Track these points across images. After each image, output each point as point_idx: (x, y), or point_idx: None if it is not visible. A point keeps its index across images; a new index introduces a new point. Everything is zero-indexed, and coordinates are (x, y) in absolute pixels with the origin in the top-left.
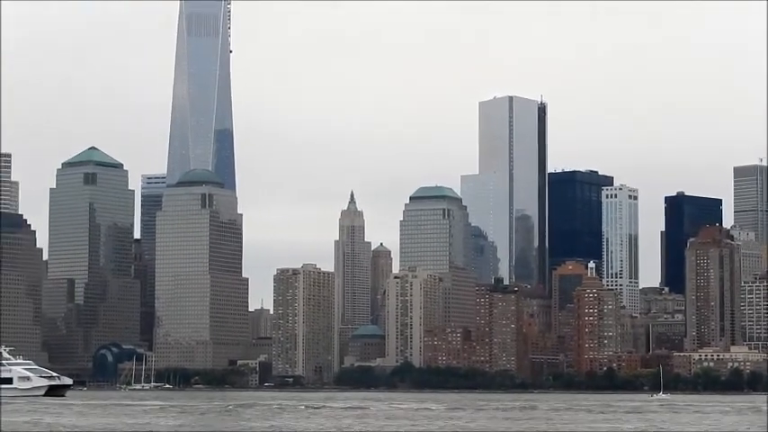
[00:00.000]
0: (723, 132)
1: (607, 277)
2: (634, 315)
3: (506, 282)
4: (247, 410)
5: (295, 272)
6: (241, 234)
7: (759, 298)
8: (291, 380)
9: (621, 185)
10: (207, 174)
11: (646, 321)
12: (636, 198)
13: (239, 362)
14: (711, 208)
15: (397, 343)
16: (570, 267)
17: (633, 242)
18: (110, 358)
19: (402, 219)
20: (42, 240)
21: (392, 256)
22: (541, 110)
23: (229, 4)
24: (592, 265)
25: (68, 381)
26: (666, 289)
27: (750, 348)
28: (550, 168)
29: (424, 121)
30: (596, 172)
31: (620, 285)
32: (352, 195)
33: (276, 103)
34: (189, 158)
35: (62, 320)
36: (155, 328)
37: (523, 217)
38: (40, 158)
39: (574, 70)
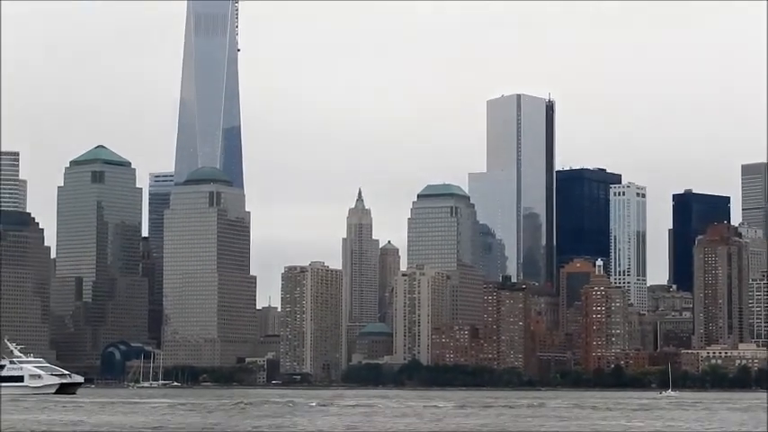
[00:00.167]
0: (731, 130)
1: (615, 275)
2: (642, 313)
3: (514, 279)
4: (259, 408)
5: (303, 270)
6: (249, 232)
7: (767, 295)
8: (299, 377)
9: (629, 183)
10: (215, 172)
11: (653, 319)
12: (644, 196)
13: (247, 359)
14: (719, 205)
15: (405, 340)
16: (578, 265)
17: (641, 240)
18: (118, 356)
19: (410, 216)
20: (50, 238)
21: (400, 253)
22: (549, 108)
23: (237, 3)
24: (599, 262)
25: (79, 378)
26: (674, 286)
27: (758, 346)
28: (558, 166)
29: (432, 119)
30: (604, 170)
31: (628, 283)
32: (359, 193)
33: (284, 101)
34: (197, 157)
35: (70, 318)
36: (163, 325)
37: (531, 215)
38: (47, 157)
39: (581, 68)
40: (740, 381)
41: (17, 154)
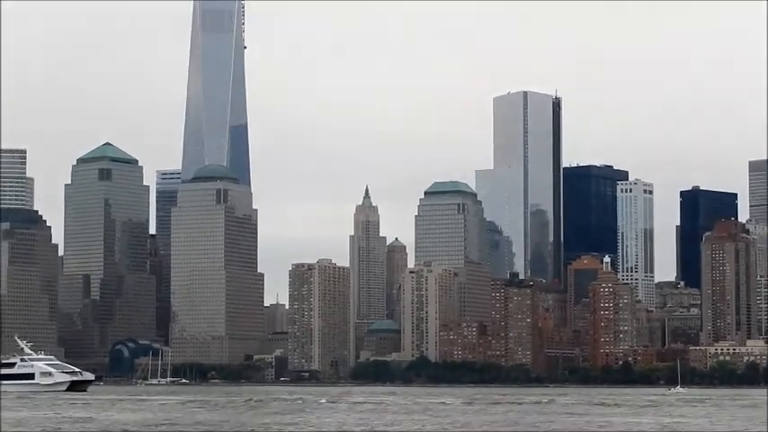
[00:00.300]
0: (738, 126)
1: (622, 271)
2: (650, 309)
3: (521, 276)
4: (269, 405)
5: (310, 267)
6: (256, 229)
7: None
8: (307, 374)
9: (636, 180)
10: (222, 169)
11: (661, 315)
12: (651, 192)
13: (255, 357)
14: (727, 202)
15: (413, 337)
16: (585, 262)
17: (648, 236)
18: (126, 353)
19: (417, 214)
20: (58, 236)
21: (407, 251)
22: (556, 105)
23: (243, 0)
24: (607, 259)
25: (90, 376)
26: (682, 283)
27: (766, 342)
28: (565, 163)
29: (439, 116)
30: (611, 166)
31: (636, 280)
32: (366, 191)
33: (291, 98)
34: (203, 154)
35: (78, 316)
36: (171, 323)
37: (538, 212)
38: (55, 155)
39: (588, 65)
40: (748, 377)
41: (24, 152)
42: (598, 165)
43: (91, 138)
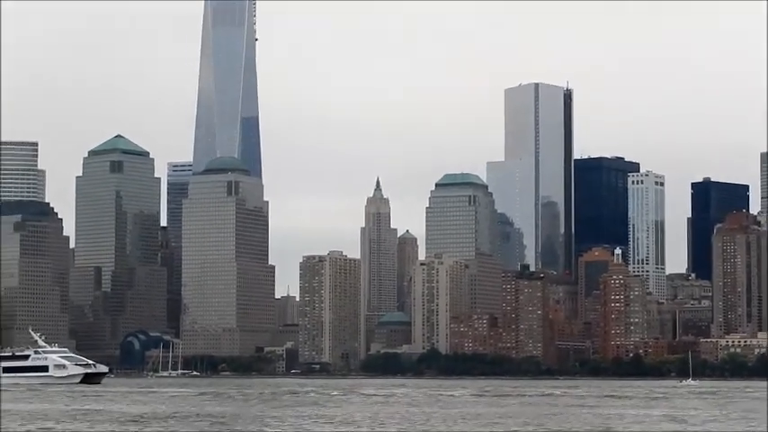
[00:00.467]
0: (750, 118)
1: (633, 264)
2: (660, 301)
3: (532, 268)
4: (281, 398)
5: (321, 259)
6: (267, 221)
7: None
8: (318, 367)
9: (648, 172)
10: (233, 161)
11: (672, 308)
12: (662, 184)
13: (266, 349)
14: (738, 194)
15: (424, 330)
16: (596, 254)
17: (659, 228)
18: (137, 346)
19: (428, 206)
20: (69, 228)
21: (418, 243)
22: (567, 96)
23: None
24: (618, 251)
25: (104, 368)
26: (693, 275)
27: None
28: (576, 155)
29: (450, 108)
30: (622, 158)
31: (647, 272)
32: (377, 182)
33: (302, 90)
34: (215, 146)
35: (89, 308)
36: (181, 315)
37: (549, 203)
38: (66, 147)
39: (600, 57)
40: (759, 369)
41: (36, 144)
42: (609, 156)
43: (102, 130)
